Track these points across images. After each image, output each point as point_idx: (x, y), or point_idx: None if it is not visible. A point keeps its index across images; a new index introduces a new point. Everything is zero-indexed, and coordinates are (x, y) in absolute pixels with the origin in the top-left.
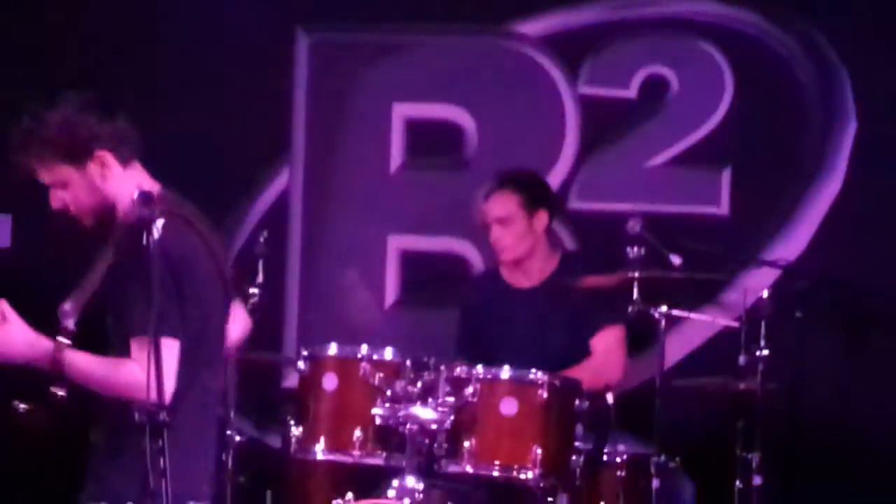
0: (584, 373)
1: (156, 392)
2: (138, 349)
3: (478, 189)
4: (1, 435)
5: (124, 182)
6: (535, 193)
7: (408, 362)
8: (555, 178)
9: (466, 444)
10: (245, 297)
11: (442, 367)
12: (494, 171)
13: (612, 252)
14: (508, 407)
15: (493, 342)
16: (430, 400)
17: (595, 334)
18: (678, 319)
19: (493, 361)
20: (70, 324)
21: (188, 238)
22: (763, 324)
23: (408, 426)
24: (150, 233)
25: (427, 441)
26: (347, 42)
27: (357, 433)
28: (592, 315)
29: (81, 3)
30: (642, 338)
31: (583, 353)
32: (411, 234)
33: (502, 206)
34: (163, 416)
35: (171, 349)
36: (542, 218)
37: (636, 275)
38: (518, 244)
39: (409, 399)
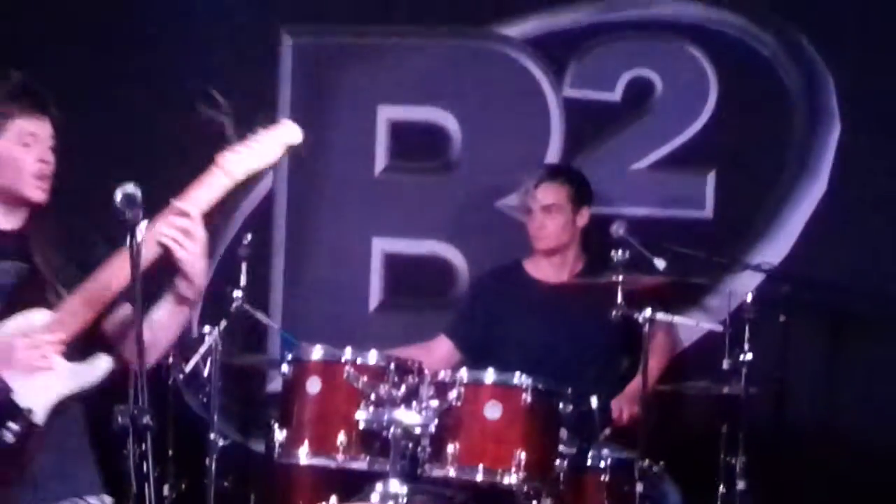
0: (660, 356)
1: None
2: None
3: (462, 191)
4: None
5: None
6: (583, 190)
7: (392, 366)
8: None
9: (450, 447)
10: (229, 300)
11: (426, 371)
12: (479, 172)
13: (597, 255)
14: (492, 411)
15: (503, 334)
16: (414, 403)
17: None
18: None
19: (498, 352)
20: None
21: None
22: (747, 327)
23: (392, 430)
24: (134, 236)
25: (411, 445)
26: (332, 45)
27: (341, 437)
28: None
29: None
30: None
31: (620, 349)
32: (396, 237)
33: (553, 194)
34: (146, 419)
35: None
36: (584, 215)
37: (620, 278)
38: (560, 234)
39: (393, 403)
